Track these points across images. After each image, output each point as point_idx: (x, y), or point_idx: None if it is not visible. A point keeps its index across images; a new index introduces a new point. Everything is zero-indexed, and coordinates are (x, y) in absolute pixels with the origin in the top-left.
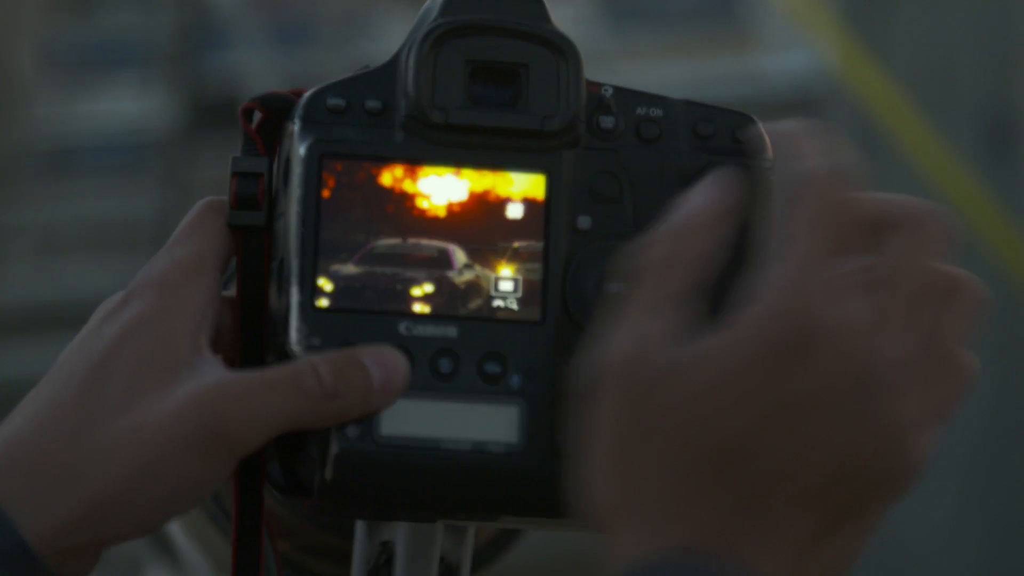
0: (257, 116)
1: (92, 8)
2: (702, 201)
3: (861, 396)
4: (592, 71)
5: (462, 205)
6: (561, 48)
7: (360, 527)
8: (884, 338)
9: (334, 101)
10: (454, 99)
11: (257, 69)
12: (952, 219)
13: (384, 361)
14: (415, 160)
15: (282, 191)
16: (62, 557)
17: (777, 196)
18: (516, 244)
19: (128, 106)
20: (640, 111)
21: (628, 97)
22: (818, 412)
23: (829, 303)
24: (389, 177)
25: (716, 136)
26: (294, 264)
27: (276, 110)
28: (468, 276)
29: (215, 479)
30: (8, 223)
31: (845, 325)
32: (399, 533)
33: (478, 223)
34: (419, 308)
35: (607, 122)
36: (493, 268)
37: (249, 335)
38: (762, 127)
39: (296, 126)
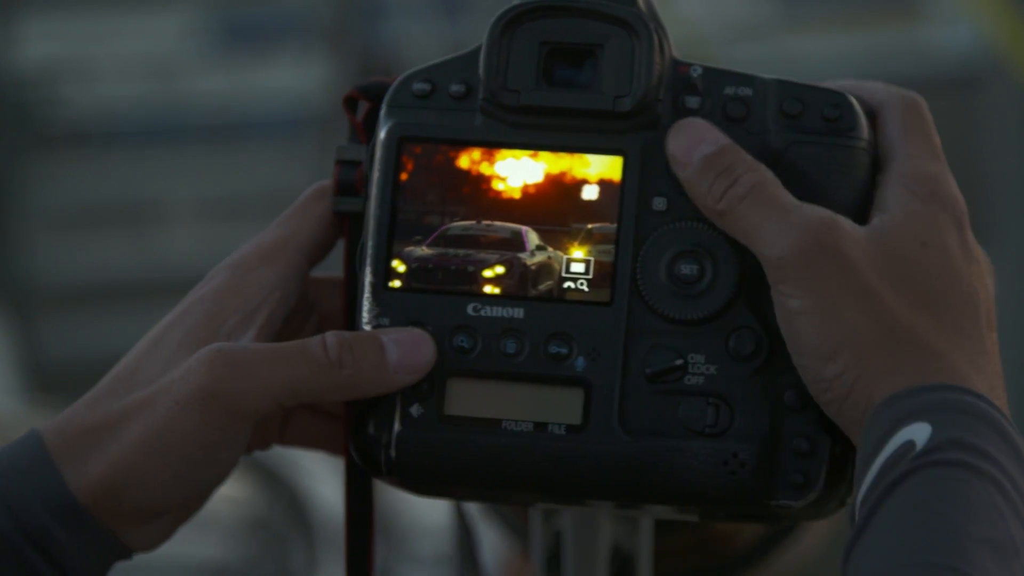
0: (364, 105)
1: None
2: None
3: (968, 242)
4: (757, 45)
5: (537, 187)
6: (635, 28)
7: (535, 518)
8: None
9: (419, 86)
10: (527, 81)
11: (418, 40)
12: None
13: (404, 341)
14: (491, 143)
15: (370, 176)
16: (115, 520)
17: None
18: (590, 226)
19: (289, 80)
20: (728, 91)
21: (717, 77)
22: (956, 248)
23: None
24: (466, 160)
25: (804, 115)
26: (369, 245)
27: (378, 98)
28: (540, 258)
29: (223, 443)
30: (169, 194)
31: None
32: (566, 524)
33: (552, 205)
34: (489, 289)
35: (692, 102)
36: (566, 250)
37: (348, 316)
38: (857, 105)
39: (382, 111)
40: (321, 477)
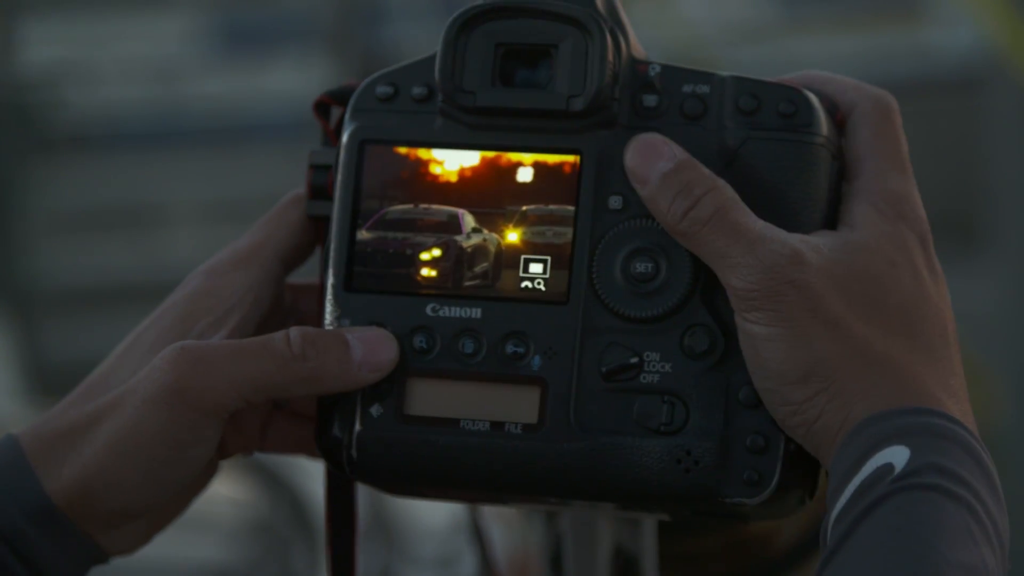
0: (337, 110)
1: None
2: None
3: (933, 261)
4: (759, 47)
5: (474, 170)
6: (588, 28)
7: (538, 520)
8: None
9: (383, 89)
10: (483, 82)
11: (420, 44)
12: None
13: (368, 339)
14: (450, 144)
15: (336, 179)
16: (90, 523)
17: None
18: (524, 208)
19: (291, 83)
20: (686, 88)
21: (675, 75)
22: (923, 268)
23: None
24: (426, 164)
25: (759, 111)
26: (332, 248)
27: (347, 102)
28: (476, 240)
29: (191, 441)
30: (171, 197)
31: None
32: (565, 526)
33: (489, 188)
34: (427, 272)
35: (650, 100)
36: (502, 233)
37: (321, 319)
38: (814, 101)
39: (346, 115)
40: (323, 479)
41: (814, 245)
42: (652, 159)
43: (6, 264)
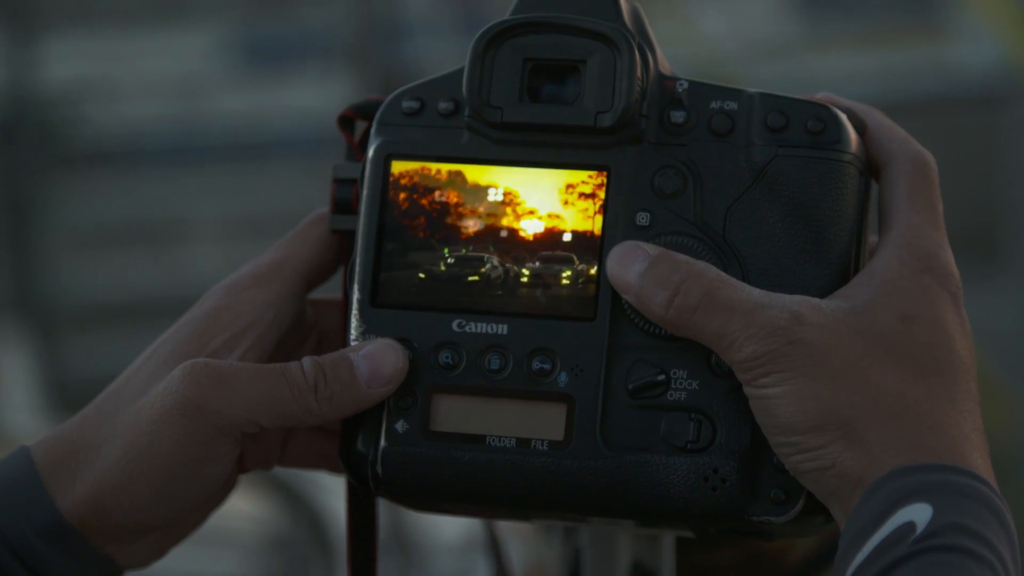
0: (362, 125)
1: (278, 2)
2: None
3: (963, 316)
4: (781, 63)
5: (527, 206)
6: (617, 44)
7: (556, 535)
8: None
9: (409, 103)
10: (510, 97)
11: (440, 60)
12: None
13: (373, 354)
14: (476, 160)
15: (362, 193)
16: (103, 538)
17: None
18: (574, 242)
19: (312, 99)
20: (714, 105)
21: (703, 91)
22: (952, 323)
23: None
24: (454, 178)
25: (788, 128)
26: (358, 263)
27: (372, 116)
28: (523, 274)
29: (206, 458)
30: (192, 213)
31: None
32: (585, 540)
33: (536, 225)
34: (473, 305)
35: (678, 117)
36: (551, 266)
37: (346, 334)
38: (842, 118)
39: (372, 129)
40: (343, 496)
41: (815, 305)
42: (628, 264)
43: (27, 280)
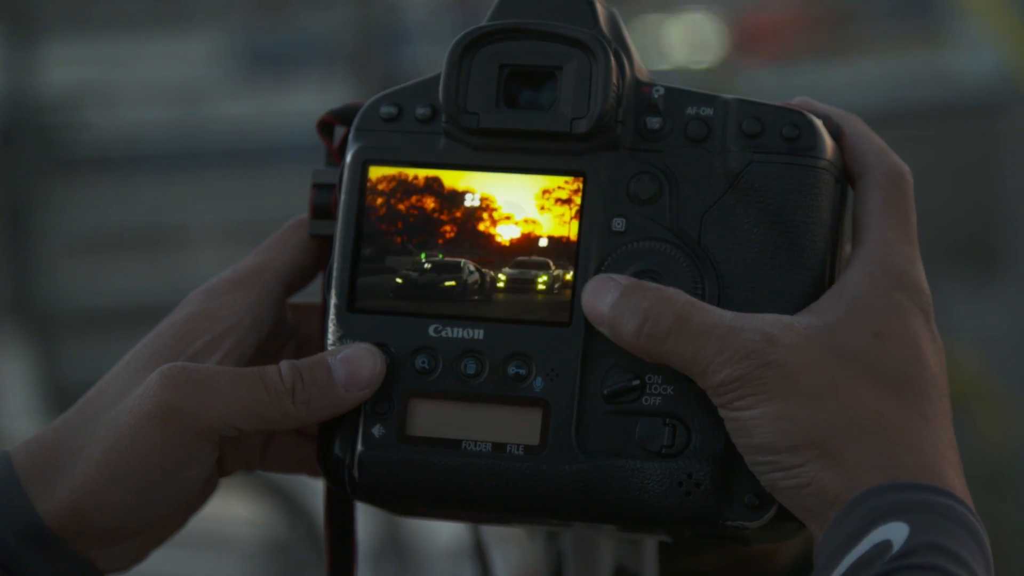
0: (340, 130)
1: (279, 7)
2: None
3: (934, 331)
4: (781, 71)
5: (504, 212)
6: (592, 50)
7: (539, 538)
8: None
9: (386, 109)
10: (486, 103)
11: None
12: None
13: (350, 358)
14: (453, 165)
15: (339, 199)
16: (83, 542)
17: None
18: (550, 247)
19: (312, 104)
20: (690, 111)
21: (679, 97)
22: (924, 339)
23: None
24: (429, 184)
25: (763, 134)
26: (335, 268)
27: (351, 122)
28: (499, 279)
29: (184, 461)
30: (192, 218)
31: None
32: (567, 544)
33: (512, 230)
34: (449, 310)
35: (653, 123)
36: (527, 272)
37: (323, 340)
38: (818, 124)
39: (350, 135)
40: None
41: (787, 324)
42: (600, 296)
43: (27, 284)
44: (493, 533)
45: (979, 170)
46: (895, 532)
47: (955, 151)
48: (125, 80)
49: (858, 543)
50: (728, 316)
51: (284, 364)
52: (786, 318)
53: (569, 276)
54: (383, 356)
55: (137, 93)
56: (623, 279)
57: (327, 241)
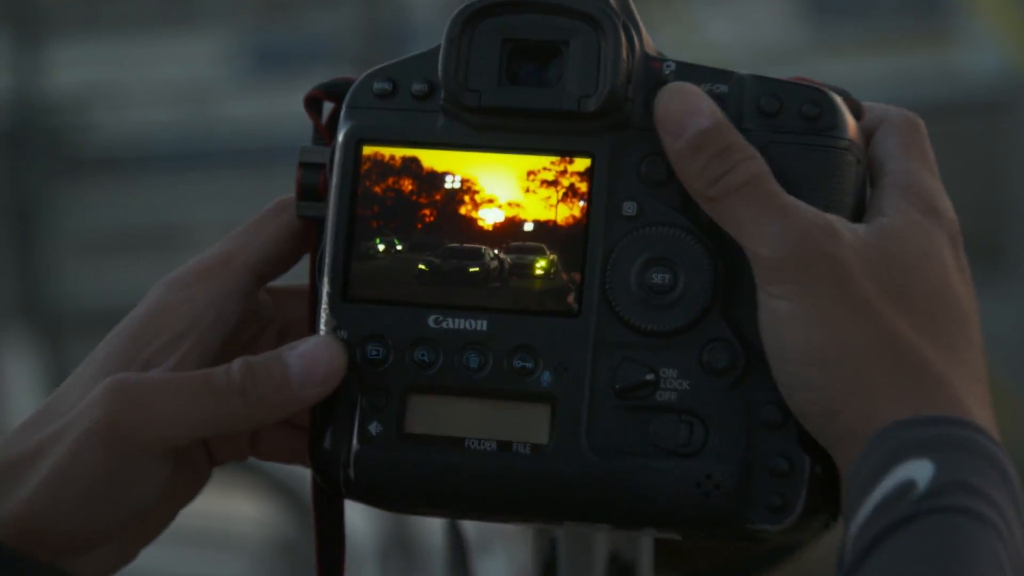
0: (329, 106)
1: (286, 8)
2: None
3: (962, 261)
4: (788, 69)
5: (500, 194)
6: (601, 24)
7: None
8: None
9: (380, 85)
10: (488, 80)
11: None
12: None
13: (307, 354)
14: (453, 145)
15: (330, 179)
16: (48, 552)
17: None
18: (557, 233)
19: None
20: (703, 88)
21: (691, 73)
22: (953, 268)
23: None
24: (428, 165)
25: (781, 113)
26: (328, 253)
27: (341, 97)
28: (504, 265)
29: (133, 477)
30: (200, 218)
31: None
32: (560, 532)
33: (517, 214)
34: (450, 299)
35: None
36: (533, 259)
37: (313, 328)
38: (839, 102)
39: (342, 112)
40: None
41: (848, 224)
42: (688, 112)
43: (34, 285)
44: (495, 531)
45: (985, 168)
46: (920, 470)
47: (961, 149)
48: (132, 81)
49: (881, 480)
50: (792, 198)
51: (237, 363)
52: (847, 220)
53: (578, 263)
54: (343, 350)
55: (144, 94)
56: (717, 110)
57: (314, 224)
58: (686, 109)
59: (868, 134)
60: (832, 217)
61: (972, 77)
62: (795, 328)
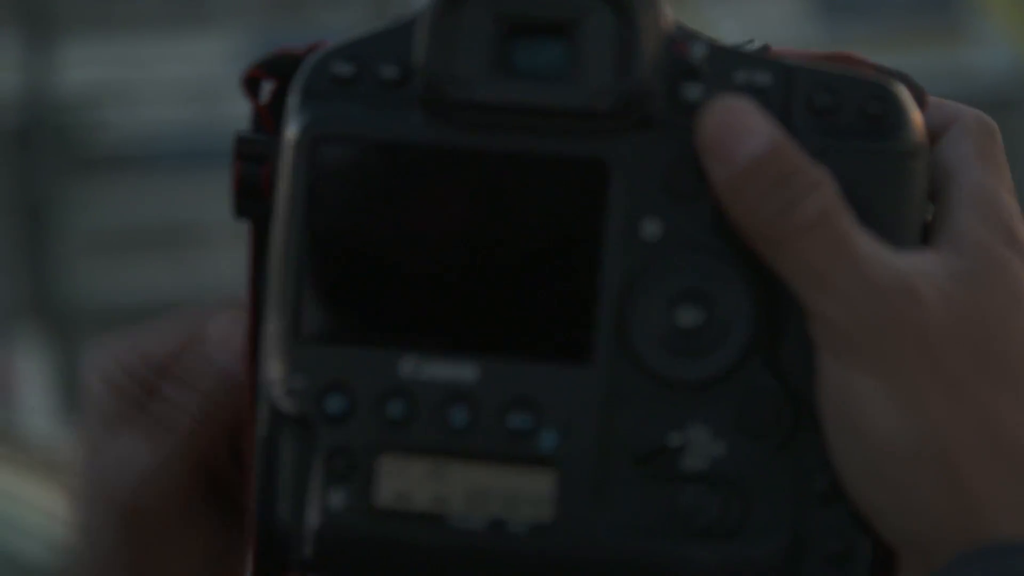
0: (271, 86)
1: (296, 6)
2: None
3: None
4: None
5: (492, 209)
6: (620, 1)
7: None
8: None
9: (342, 68)
10: (479, 70)
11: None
12: None
13: None
14: (433, 147)
15: (276, 181)
16: None
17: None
18: (564, 259)
19: None
20: (740, 77)
21: (726, 59)
22: None
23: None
24: (401, 171)
25: (838, 111)
26: (275, 280)
27: (287, 76)
28: (497, 299)
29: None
30: (210, 217)
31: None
32: None
33: (510, 231)
34: (431, 338)
35: (693, 92)
36: (533, 289)
37: (252, 362)
38: (905, 97)
39: (294, 100)
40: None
41: (927, 275)
42: (739, 132)
43: (45, 284)
44: None
45: None
46: None
47: None
48: (143, 80)
49: None
50: (865, 238)
51: None
52: (919, 263)
53: (588, 297)
54: None
55: (155, 92)
56: (775, 129)
57: (255, 223)
58: (735, 129)
59: (933, 133)
60: (910, 270)
61: (983, 75)
62: (876, 410)
